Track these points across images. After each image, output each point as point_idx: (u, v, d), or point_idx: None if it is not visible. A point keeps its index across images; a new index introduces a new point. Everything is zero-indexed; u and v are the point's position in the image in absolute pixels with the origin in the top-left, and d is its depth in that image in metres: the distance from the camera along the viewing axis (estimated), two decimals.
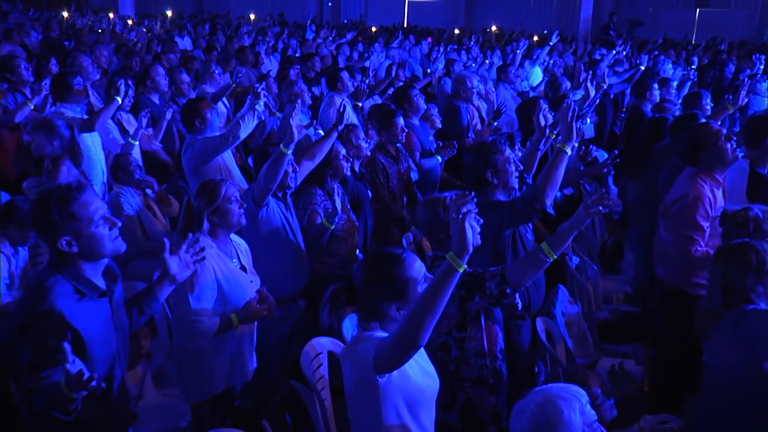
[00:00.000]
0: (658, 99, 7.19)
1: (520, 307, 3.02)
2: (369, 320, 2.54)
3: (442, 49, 12.45)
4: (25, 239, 4.20)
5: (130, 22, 16.20)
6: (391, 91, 8.02)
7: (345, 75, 7.14)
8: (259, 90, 5.07)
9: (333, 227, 4.24)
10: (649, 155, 5.33)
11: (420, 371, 2.54)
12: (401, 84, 8.48)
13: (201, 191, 3.51)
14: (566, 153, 3.59)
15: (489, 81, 9.56)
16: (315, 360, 3.29)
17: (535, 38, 17.52)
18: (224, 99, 7.53)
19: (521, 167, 4.01)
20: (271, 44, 13.57)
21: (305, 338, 3.47)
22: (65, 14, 18.58)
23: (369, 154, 5.10)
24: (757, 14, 22.52)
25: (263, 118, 6.58)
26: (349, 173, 4.60)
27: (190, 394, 3.53)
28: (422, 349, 2.57)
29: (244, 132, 4.89)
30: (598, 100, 7.52)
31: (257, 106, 5.02)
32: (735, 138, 4.16)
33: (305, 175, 4.37)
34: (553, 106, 5.70)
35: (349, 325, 3.35)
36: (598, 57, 12.17)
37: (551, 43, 12.08)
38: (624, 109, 9.27)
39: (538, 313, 3.88)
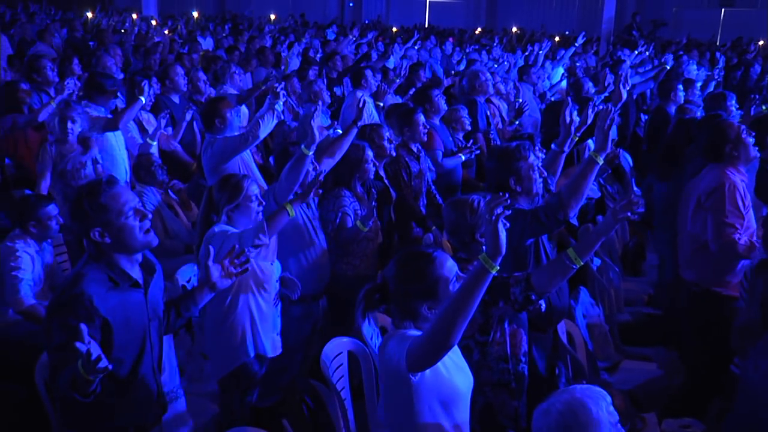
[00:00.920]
0: (682, 100, 7.12)
1: (543, 309, 2.98)
2: (402, 319, 2.55)
3: (461, 52, 12.42)
4: (46, 233, 4.23)
5: (154, 22, 16.33)
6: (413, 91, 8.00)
7: (369, 73, 7.16)
8: (278, 90, 5.09)
9: (366, 229, 4.24)
10: (677, 157, 5.28)
11: (454, 368, 2.54)
12: (420, 85, 8.48)
13: (223, 186, 3.56)
14: (598, 163, 3.48)
15: (510, 81, 9.51)
16: (335, 360, 3.29)
17: (557, 39, 17.41)
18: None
19: (545, 173, 3.92)
20: (290, 41, 13.64)
21: (325, 338, 3.49)
22: (89, 14, 18.78)
23: (393, 153, 5.09)
24: None
25: (283, 117, 6.60)
26: (373, 176, 4.61)
27: (222, 363, 3.60)
28: (456, 347, 2.58)
29: (264, 132, 4.91)
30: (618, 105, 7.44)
31: (276, 106, 5.04)
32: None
33: (326, 173, 4.38)
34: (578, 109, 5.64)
35: (369, 327, 3.35)
36: (620, 56, 12.07)
37: (576, 45, 11.99)
38: (647, 110, 9.18)
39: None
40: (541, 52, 11.34)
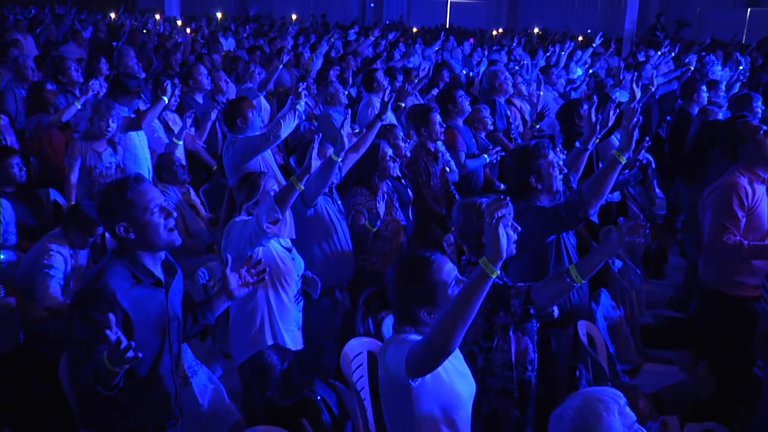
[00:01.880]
0: (705, 101, 7.03)
1: (556, 316, 2.95)
2: (402, 324, 2.52)
3: (486, 51, 12.38)
4: (84, 243, 4.31)
5: (179, 23, 16.45)
6: (435, 92, 8.00)
7: (380, 75, 7.15)
8: (300, 90, 5.11)
9: (374, 229, 4.27)
10: (703, 160, 5.23)
11: (456, 374, 2.50)
12: (443, 85, 8.46)
13: (241, 184, 3.62)
14: (621, 163, 3.48)
15: (532, 83, 9.47)
16: (355, 360, 3.30)
17: (580, 38, 17.30)
18: (265, 98, 7.64)
19: (566, 170, 3.92)
20: (312, 42, 13.69)
21: (345, 338, 3.50)
22: (113, 15, 18.97)
23: (408, 154, 5.10)
24: None
25: (304, 118, 6.63)
26: (397, 173, 4.61)
27: (241, 348, 3.64)
28: (458, 352, 2.56)
29: (285, 131, 4.93)
30: (640, 104, 7.38)
31: (298, 107, 5.06)
32: None
33: (349, 167, 4.41)
34: (597, 107, 5.61)
35: (390, 326, 3.36)
36: (642, 58, 11.96)
37: (594, 45, 11.90)
38: (670, 111, 9.09)
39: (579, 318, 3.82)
40: (563, 53, 11.26)
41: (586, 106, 4.59)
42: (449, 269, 2.51)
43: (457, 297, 2.21)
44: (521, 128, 7.38)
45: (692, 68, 10.00)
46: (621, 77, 7.27)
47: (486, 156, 5.89)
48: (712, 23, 22.22)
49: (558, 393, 3.49)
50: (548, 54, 11.84)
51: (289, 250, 3.72)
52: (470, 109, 6.20)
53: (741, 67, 10.90)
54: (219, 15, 21.77)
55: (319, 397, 3.59)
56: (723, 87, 8.01)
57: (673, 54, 12.25)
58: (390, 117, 6.54)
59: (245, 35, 15.59)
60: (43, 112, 6.07)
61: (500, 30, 20.06)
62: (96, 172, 5.29)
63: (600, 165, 5.58)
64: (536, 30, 21.76)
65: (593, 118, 4.27)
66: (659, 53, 11.27)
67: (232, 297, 2.90)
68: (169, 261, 2.79)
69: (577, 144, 4.43)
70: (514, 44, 15.01)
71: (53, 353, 3.36)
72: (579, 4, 26.85)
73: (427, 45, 14.46)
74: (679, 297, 5.40)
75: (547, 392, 3.32)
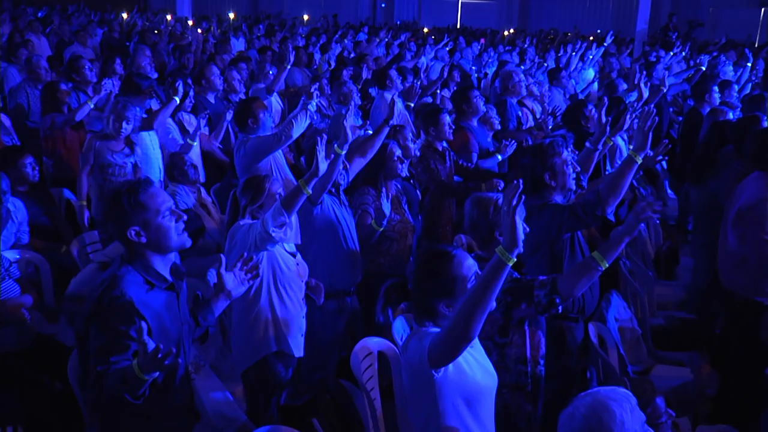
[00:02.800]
0: (717, 102, 6.99)
1: (560, 310, 2.98)
2: (422, 317, 2.57)
3: (494, 52, 12.34)
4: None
5: (191, 23, 16.52)
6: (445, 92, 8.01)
7: (393, 73, 7.17)
8: (312, 90, 5.13)
9: (381, 229, 4.27)
10: (713, 160, 5.19)
11: (478, 367, 2.55)
12: (455, 85, 8.46)
13: (246, 187, 3.62)
14: (637, 162, 3.51)
15: (545, 84, 9.45)
16: (365, 359, 3.31)
17: (591, 38, 17.23)
18: (279, 97, 7.65)
19: (578, 168, 3.96)
20: (322, 42, 13.71)
21: (356, 337, 3.50)
22: (124, 15, 19.06)
23: (417, 154, 5.10)
24: None
25: (315, 118, 6.65)
26: (405, 174, 4.61)
27: (244, 356, 3.63)
28: (479, 346, 2.63)
29: (297, 132, 4.95)
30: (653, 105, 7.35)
31: (309, 107, 5.08)
32: None
33: (356, 172, 4.40)
34: (608, 108, 5.60)
35: (400, 326, 3.37)
36: (653, 59, 11.89)
37: (605, 45, 11.85)
38: (682, 111, 9.05)
39: (590, 318, 3.82)
40: (574, 54, 11.22)
41: (590, 107, 4.61)
42: (469, 264, 2.57)
43: (475, 285, 2.28)
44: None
45: (703, 69, 9.94)
46: (635, 82, 7.24)
47: (499, 155, 5.89)
48: (724, 23, 22.06)
49: (573, 387, 3.50)
50: (559, 55, 11.80)
51: (293, 255, 3.71)
52: (485, 109, 6.20)
53: (749, 64, 10.79)
54: (231, 15, 21.84)
55: (329, 397, 3.60)
56: (735, 88, 7.95)
57: (683, 54, 12.17)
58: (405, 116, 6.55)
59: (257, 35, 15.61)
60: (57, 111, 6.12)
61: (511, 30, 19.98)
62: (110, 171, 5.31)
63: (609, 166, 5.59)
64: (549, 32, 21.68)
65: (603, 119, 4.30)
66: (671, 54, 11.19)
67: (229, 297, 2.90)
68: (176, 265, 2.78)
69: (588, 144, 4.47)
70: (526, 45, 14.96)
71: (64, 352, 3.37)
72: (591, 4, 26.72)
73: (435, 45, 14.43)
74: (689, 298, 5.37)
75: (558, 386, 3.34)
